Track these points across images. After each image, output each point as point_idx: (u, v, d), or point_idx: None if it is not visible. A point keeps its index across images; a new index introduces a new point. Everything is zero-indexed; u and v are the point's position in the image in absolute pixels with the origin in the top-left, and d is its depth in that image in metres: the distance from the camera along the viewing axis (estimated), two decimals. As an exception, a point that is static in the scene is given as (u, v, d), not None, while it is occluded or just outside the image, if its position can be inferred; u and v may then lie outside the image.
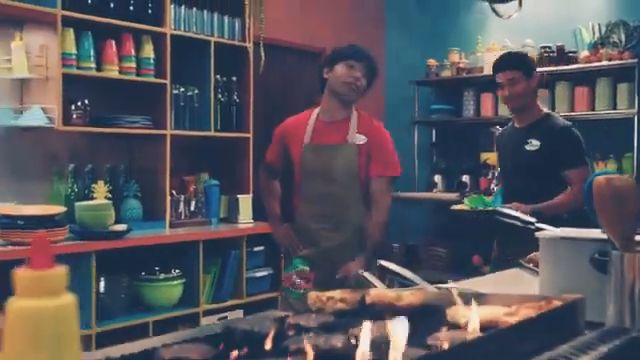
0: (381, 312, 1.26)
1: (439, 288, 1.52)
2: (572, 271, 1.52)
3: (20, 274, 0.58)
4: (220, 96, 4.05)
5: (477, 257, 4.80)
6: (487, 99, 5.06)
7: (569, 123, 2.98)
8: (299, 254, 2.78)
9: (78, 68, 3.44)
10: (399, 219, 5.09)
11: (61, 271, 0.59)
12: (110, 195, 3.50)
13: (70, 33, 3.39)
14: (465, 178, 5.08)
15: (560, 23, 4.90)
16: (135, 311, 3.42)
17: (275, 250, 4.07)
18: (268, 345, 1.05)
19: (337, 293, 1.35)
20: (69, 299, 0.60)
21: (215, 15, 4.04)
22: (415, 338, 1.08)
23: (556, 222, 2.13)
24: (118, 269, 3.39)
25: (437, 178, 5.28)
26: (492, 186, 4.80)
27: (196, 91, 3.93)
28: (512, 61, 3.01)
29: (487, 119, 4.99)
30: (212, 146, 4.15)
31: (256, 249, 3.99)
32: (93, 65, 3.49)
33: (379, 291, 1.32)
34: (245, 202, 4.02)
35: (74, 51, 3.41)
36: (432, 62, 5.31)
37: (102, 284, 3.32)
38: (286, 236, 2.88)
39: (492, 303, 1.22)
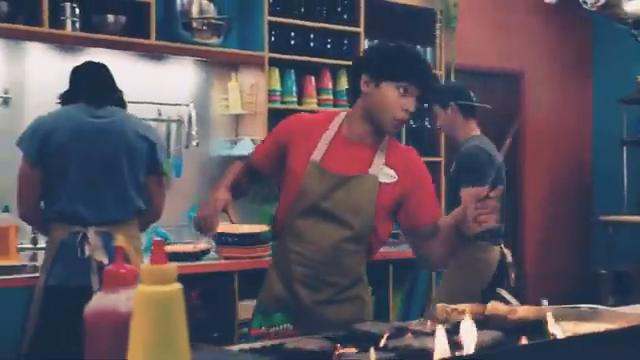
0: (496, 324, 1.36)
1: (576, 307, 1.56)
2: None
3: (143, 268, 0.83)
4: (412, 122, 4.26)
5: (694, 286, 4.41)
6: None
7: (469, 146, 3.10)
8: (207, 234, 2.20)
9: (282, 102, 3.86)
10: (606, 243, 4.86)
11: (171, 267, 0.84)
12: (309, 216, 3.86)
13: (275, 72, 3.83)
14: (682, 200, 4.71)
15: None
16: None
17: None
18: (381, 343, 1.22)
19: (462, 306, 1.47)
20: (177, 287, 0.84)
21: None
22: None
23: None
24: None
25: (649, 200, 4.95)
26: None
27: (388, 119, 4.17)
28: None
29: None
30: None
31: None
32: (295, 99, 3.90)
33: (496, 305, 1.41)
34: (436, 224, 4.15)
35: (279, 88, 3.85)
36: (642, 78, 5.02)
37: (301, 297, 3.66)
38: (214, 203, 2.05)
39: (603, 321, 1.26)
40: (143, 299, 0.81)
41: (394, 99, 1.95)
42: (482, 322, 1.41)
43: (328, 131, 2.03)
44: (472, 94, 3.25)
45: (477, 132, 3.23)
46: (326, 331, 1.58)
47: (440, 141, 4.32)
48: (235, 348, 1.26)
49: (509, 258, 3.06)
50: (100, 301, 0.93)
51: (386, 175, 1.99)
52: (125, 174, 2.53)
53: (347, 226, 1.96)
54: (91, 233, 2.44)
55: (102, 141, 2.53)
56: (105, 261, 2.43)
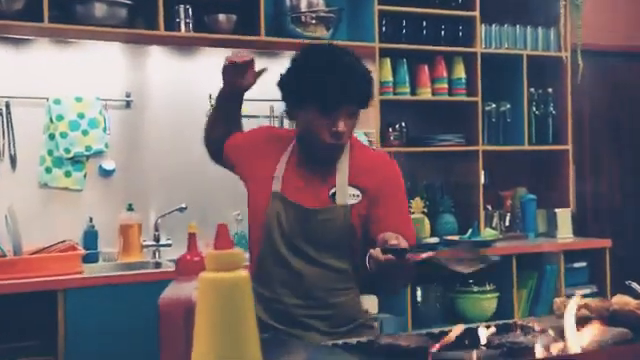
0: (624, 320, 1.20)
1: None
2: None
3: (208, 253, 0.78)
4: (534, 109, 4.01)
5: None
6: None
7: None
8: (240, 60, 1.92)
9: (394, 94, 3.75)
10: None
11: (236, 252, 0.77)
12: (426, 210, 3.73)
13: (387, 63, 3.73)
14: None
15: None
16: (449, 321, 3.57)
17: (600, 267, 3.85)
18: (483, 340, 1.10)
19: (584, 300, 1.32)
20: (243, 274, 0.77)
21: (528, 28, 4.02)
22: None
23: None
24: (433, 280, 3.58)
25: None
26: None
27: (508, 106, 3.96)
28: None
29: None
30: (529, 160, 4.12)
31: (577, 265, 3.83)
32: (408, 90, 3.78)
33: (623, 298, 1.25)
34: (563, 216, 3.90)
35: (390, 79, 3.74)
36: None
37: (419, 293, 3.55)
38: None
39: None
40: (207, 286, 0.76)
41: (318, 123, 1.73)
42: (608, 318, 1.25)
43: (284, 154, 1.85)
44: None
45: None
46: None
47: (567, 128, 4.03)
48: (328, 343, 1.19)
49: None
50: (174, 290, 0.89)
51: (352, 196, 1.77)
52: None
53: (317, 261, 1.78)
54: None
55: None
56: None
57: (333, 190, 1.76)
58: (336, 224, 1.74)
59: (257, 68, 2.00)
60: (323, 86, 1.70)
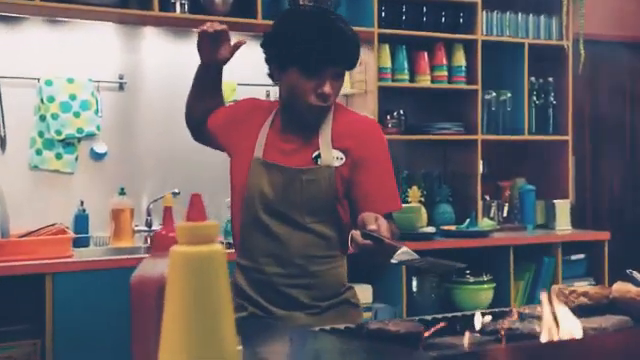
0: (624, 308, 1.15)
1: None
2: None
3: (179, 225, 0.72)
4: (535, 98, 3.95)
5: None
6: None
7: None
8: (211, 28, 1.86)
9: (393, 80, 3.69)
10: None
11: (210, 224, 0.72)
12: (423, 199, 3.68)
13: (386, 49, 3.66)
14: None
15: None
16: (444, 312, 3.51)
17: (598, 259, 3.80)
18: (478, 326, 1.05)
19: (582, 287, 1.27)
20: (217, 247, 0.72)
21: (530, 16, 3.96)
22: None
23: None
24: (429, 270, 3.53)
25: None
26: None
27: (509, 95, 3.90)
28: None
29: None
30: (528, 150, 4.06)
31: (574, 257, 3.78)
32: (407, 76, 3.71)
33: (624, 285, 1.20)
34: (562, 208, 3.84)
35: (389, 65, 3.67)
36: None
37: (414, 283, 3.50)
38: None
39: None
40: (178, 260, 0.70)
41: (303, 85, 1.70)
42: (607, 306, 1.20)
43: (267, 120, 1.83)
44: None
45: None
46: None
47: (567, 118, 3.97)
48: (316, 328, 1.14)
49: None
50: (147, 266, 0.83)
51: (336, 158, 1.74)
52: None
53: (301, 224, 1.76)
54: None
55: None
56: None
57: (317, 152, 1.74)
58: (320, 186, 1.72)
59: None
60: (308, 47, 1.67)
